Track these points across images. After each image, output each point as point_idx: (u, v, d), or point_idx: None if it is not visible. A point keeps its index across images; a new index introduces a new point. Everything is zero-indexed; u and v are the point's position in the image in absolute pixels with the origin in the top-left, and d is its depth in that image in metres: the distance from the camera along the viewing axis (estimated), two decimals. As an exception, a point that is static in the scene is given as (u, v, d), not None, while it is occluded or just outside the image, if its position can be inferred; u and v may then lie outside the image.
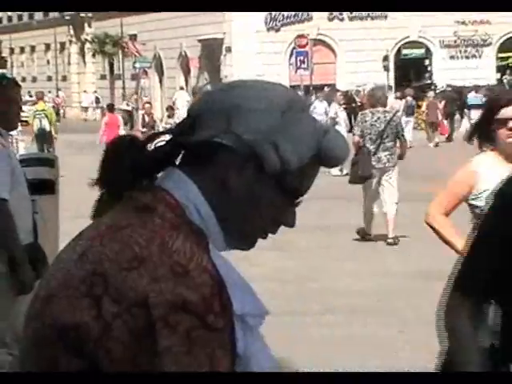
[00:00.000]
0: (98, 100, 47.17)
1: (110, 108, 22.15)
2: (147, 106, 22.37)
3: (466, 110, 28.10)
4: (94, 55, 48.44)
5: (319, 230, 10.69)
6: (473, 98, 25.77)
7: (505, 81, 37.78)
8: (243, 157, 1.36)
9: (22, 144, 19.02)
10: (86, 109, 48.95)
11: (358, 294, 7.66)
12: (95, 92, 49.19)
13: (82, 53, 52.14)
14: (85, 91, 50.07)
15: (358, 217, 10.52)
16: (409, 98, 26.53)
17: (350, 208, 11.70)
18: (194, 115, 1.41)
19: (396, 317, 6.83)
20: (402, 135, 10.42)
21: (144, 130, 20.58)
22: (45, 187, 5.01)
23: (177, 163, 1.41)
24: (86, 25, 51.18)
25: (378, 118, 10.12)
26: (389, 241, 10.07)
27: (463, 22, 39.95)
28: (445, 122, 26.68)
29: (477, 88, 28.13)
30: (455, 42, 40.53)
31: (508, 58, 40.81)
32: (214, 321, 1.28)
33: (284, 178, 1.38)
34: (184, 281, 1.27)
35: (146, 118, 21.06)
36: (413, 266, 8.63)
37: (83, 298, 1.29)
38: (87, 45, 49.17)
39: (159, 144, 1.42)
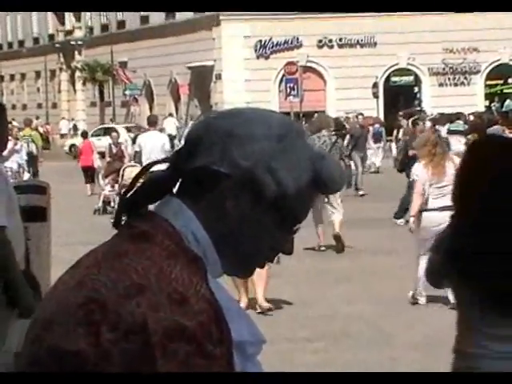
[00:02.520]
0: (75, 127, 46.94)
1: (84, 135, 22.89)
2: (114, 134, 20.53)
3: (446, 136, 28.15)
4: (84, 83, 48.57)
5: (308, 256, 10.73)
6: (454, 124, 25.91)
7: (493, 108, 38.02)
8: (240, 183, 1.36)
9: (27, 175, 18.90)
10: (64, 136, 48.76)
11: (348, 319, 7.67)
12: (73, 120, 49.10)
13: (72, 80, 52.24)
14: (63, 118, 49.89)
15: (346, 241, 10.55)
16: (376, 126, 26.98)
17: (352, 232, 11.76)
18: (191, 143, 1.41)
19: (387, 342, 6.84)
20: (346, 156, 11.07)
21: (109, 159, 18.81)
22: (37, 214, 5.02)
23: (174, 191, 1.42)
24: (76, 52, 51.34)
25: (324, 142, 10.87)
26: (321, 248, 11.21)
27: (451, 50, 40.26)
28: None
29: (460, 115, 28.33)
30: (444, 69, 40.82)
31: (496, 85, 41.10)
32: (213, 349, 1.27)
33: (281, 205, 1.37)
34: (182, 308, 1.27)
35: (114, 149, 19.03)
36: (403, 290, 8.63)
37: (81, 324, 1.29)
38: (77, 72, 49.31)
39: (157, 172, 1.43)
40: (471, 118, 28.97)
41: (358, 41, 40.10)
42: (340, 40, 40.05)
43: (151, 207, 1.43)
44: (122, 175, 15.80)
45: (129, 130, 32.99)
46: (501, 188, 2.77)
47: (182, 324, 1.27)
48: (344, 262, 10.59)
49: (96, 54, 46.74)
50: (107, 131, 23.30)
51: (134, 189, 1.42)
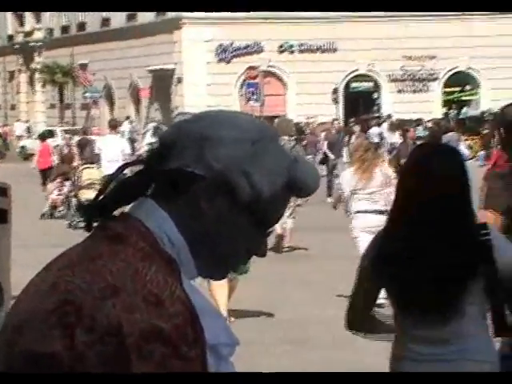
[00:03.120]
0: (29, 129, 46.44)
1: (42, 137, 22.73)
2: (67, 136, 20.57)
3: None
4: (43, 84, 48.17)
5: (272, 259, 10.78)
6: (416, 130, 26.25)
7: (450, 115, 38.47)
8: (215, 186, 1.36)
9: None
10: (19, 138, 48.25)
11: (313, 322, 7.74)
12: (27, 121, 48.64)
13: (31, 82, 51.79)
14: (18, 120, 49.31)
15: (315, 245, 10.64)
16: (333, 131, 27.23)
17: (307, 237, 11.85)
18: (165, 145, 1.40)
19: (353, 345, 6.92)
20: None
21: (58, 162, 18.69)
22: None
23: (149, 193, 1.41)
24: (35, 54, 50.94)
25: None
26: (284, 249, 11.48)
27: (410, 57, 40.65)
28: None
29: (419, 122, 28.66)
30: (403, 76, 41.19)
31: (453, 92, 41.57)
32: (188, 350, 1.27)
33: (256, 208, 1.37)
34: (157, 310, 1.27)
35: (65, 150, 18.89)
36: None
37: (55, 327, 1.28)
38: (37, 74, 48.90)
39: (131, 174, 1.42)
40: (429, 124, 29.35)
41: (318, 46, 40.33)
42: (301, 45, 40.25)
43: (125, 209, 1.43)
44: (80, 176, 15.72)
45: (66, 132, 32.52)
46: (433, 197, 2.80)
47: (157, 326, 1.26)
48: (308, 266, 10.68)
49: (56, 55, 46.41)
50: (50, 133, 23.16)
51: (107, 191, 1.41)
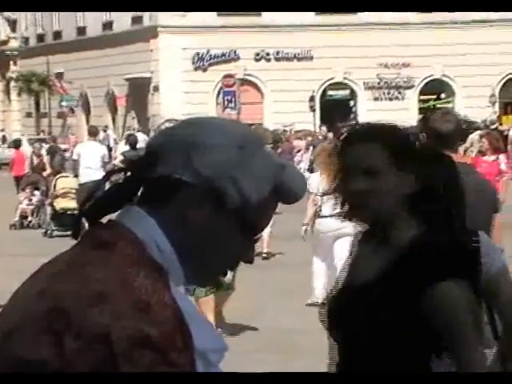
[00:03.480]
0: (4, 138, 46.02)
1: (16, 145, 22.68)
2: (36, 145, 19.76)
3: None
4: (19, 93, 47.95)
5: (249, 267, 10.78)
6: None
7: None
8: (202, 192, 1.36)
9: None
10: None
11: (291, 331, 7.76)
12: (2, 130, 48.28)
13: (7, 90, 51.53)
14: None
15: (296, 253, 10.62)
16: (309, 138, 27.32)
17: (288, 245, 11.87)
18: (152, 152, 1.40)
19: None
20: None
21: (28, 171, 18.29)
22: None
23: (136, 200, 1.41)
24: (11, 63, 50.73)
25: None
26: (263, 255, 11.66)
27: (386, 65, 40.89)
28: None
29: None
30: (379, 84, 41.42)
31: (429, 100, 41.85)
32: (176, 357, 1.28)
33: (243, 214, 1.37)
34: (146, 317, 1.27)
35: (35, 160, 18.32)
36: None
37: (43, 334, 1.28)
38: (12, 83, 48.68)
39: (118, 181, 1.43)
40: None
41: (294, 54, 40.47)
42: (277, 53, 40.37)
43: (112, 216, 1.43)
44: (55, 185, 15.72)
45: (32, 142, 32.20)
46: None
47: (146, 332, 1.26)
48: (286, 275, 10.70)
49: (32, 64, 46.24)
50: (17, 143, 22.98)
51: (94, 199, 1.41)
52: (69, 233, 15.67)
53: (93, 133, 15.98)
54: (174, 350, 1.28)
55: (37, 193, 16.89)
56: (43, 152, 21.26)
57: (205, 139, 1.38)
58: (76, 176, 15.30)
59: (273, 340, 7.52)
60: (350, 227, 3.31)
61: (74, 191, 15.34)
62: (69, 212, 15.16)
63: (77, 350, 1.26)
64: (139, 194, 1.42)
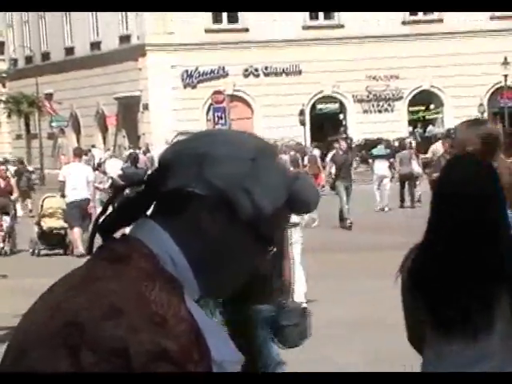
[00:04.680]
0: None
1: None
2: (2, 167, 18.94)
3: (370, 161, 28.78)
4: (9, 115, 47.92)
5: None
6: (377, 149, 26.65)
7: (416, 133, 38.84)
8: (216, 204, 1.35)
9: None
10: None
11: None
12: None
13: (-4, 112, 51.53)
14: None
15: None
16: (292, 153, 27.33)
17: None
18: (163, 165, 1.40)
19: (324, 360, 6.93)
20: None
21: None
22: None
23: (149, 213, 1.40)
24: (0, 85, 50.73)
25: None
26: None
27: (374, 78, 41.02)
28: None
29: (381, 140, 29.11)
30: (368, 96, 41.55)
31: (418, 111, 41.99)
32: (194, 369, 1.28)
33: (257, 225, 1.36)
34: (163, 330, 1.27)
35: (1, 183, 17.24)
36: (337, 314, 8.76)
37: (59, 348, 1.27)
38: (2, 105, 48.64)
39: (130, 195, 1.43)
40: (396, 143, 29.65)
41: (283, 69, 40.58)
42: (266, 69, 40.48)
43: (126, 230, 1.42)
44: (42, 205, 15.98)
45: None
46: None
47: (163, 346, 1.26)
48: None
49: (21, 86, 46.23)
50: None
51: (107, 213, 1.41)
52: (56, 251, 15.73)
53: (77, 154, 16.57)
54: (191, 363, 1.28)
55: (6, 218, 16.58)
56: (9, 174, 20.60)
57: (217, 151, 1.37)
58: (63, 196, 15.68)
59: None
60: None
61: (60, 211, 15.73)
62: (55, 231, 15.62)
63: (93, 363, 1.25)
64: (153, 207, 1.41)
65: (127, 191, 1.51)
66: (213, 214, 1.36)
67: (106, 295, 1.29)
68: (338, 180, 18.19)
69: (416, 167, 21.86)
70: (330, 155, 20.76)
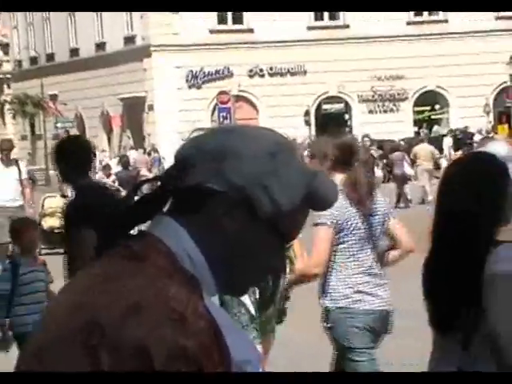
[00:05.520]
0: None
1: None
2: None
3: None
4: (14, 116, 48.00)
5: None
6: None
7: (422, 134, 38.78)
8: (235, 201, 1.34)
9: None
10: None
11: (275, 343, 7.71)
12: None
13: (1, 114, 51.61)
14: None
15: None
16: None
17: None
18: (181, 162, 1.38)
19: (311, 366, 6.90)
20: None
21: None
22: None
23: (166, 209, 1.40)
24: (5, 86, 50.79)
25: None
26: None
27: (379, 78, 40.97)
28: None
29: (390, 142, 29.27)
30: (373, 96, 41.50)
31: (424, 111, 41.93)
32: (214, 368, 1.27)
33: (276, 222, 1.35)
34: (182, 328, 1.26)
35: None
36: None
37: (80, 348, 1.26)
38: (7, 106, 48.73)
39: (147, 191, 1.41)
40: (402, 143, 29.67)
41: (288, 69, 40.55)
42: (271, 69, 40.45)
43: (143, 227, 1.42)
44: (43, 205, 16.30)
45: None
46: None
47: (182, 344, 1.25)
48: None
49: (26, 87, 46.28)
50: None
51: (124, 210, 1.39)
52: (56, 250, 16.01)
53: None
54: (211, 361, 1.27)
55: None
56: None
57: (236, 147, 1.36)
58: (63, 196, 16.01)
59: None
60: None
61: (60, 210, 15.82)
62: (56, 230, 15.78)
63: (114, 363, 1.25)
64: (169, 203, 1.39)
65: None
66: (231, 210, 1.34)
67: (124, 294, 1.28)
68: None
69: (408, 169, 22.43)
70: None
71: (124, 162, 18.19)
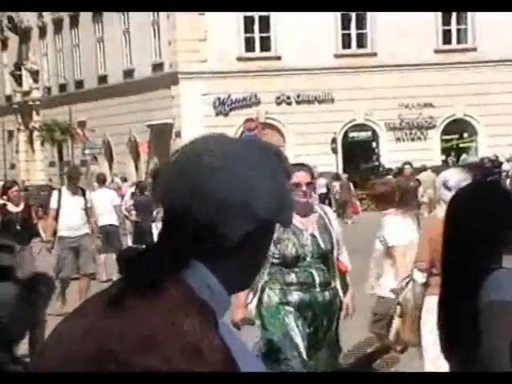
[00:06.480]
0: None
1: None
2: (14, 189, 18.72)
3: None
4: (42, 143, 48.36)
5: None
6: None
7: (450, 162, 38.56)
8: (263, 233, 1.40)
9: None
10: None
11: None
12: (28, 180, 48.51)
13: (30, 140, 52.02)
14: (-1, 180, 48.96)
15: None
16: (322, 180, 28.68)
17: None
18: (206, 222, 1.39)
19: None
20: None
21: None
22: (3, 273, 4.96)
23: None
24: (34, 112, 51.24)
25: None
26: None
27: (407, 106, 40.90)
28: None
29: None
30: (400, 124, 41.41)
31: (452, 139, 41.74)
32: None
33: (274, 227, 1.46)
34: (197, 361, 1.26)
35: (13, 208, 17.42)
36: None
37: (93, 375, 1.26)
38: (36, 132, 49.12)
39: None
40: (429, 171, 29.55)
41: (315, 97, 40.59)
42: (298, 97, 40.51)
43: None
44: None
45: None
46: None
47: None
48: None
49: (54, 113, 46.68)
50: None
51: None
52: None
53: (101, 180, 16.72)
54: None
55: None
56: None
57: (259, 185, 1.40)
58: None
59: None
60: None
61: None
62: None
63: None
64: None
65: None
66: (260, 243, 1.39)
67: (139, 325, 1.27)
68: None
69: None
70: (319, 181, 21.60)
71: (142, 187, 18.74)
